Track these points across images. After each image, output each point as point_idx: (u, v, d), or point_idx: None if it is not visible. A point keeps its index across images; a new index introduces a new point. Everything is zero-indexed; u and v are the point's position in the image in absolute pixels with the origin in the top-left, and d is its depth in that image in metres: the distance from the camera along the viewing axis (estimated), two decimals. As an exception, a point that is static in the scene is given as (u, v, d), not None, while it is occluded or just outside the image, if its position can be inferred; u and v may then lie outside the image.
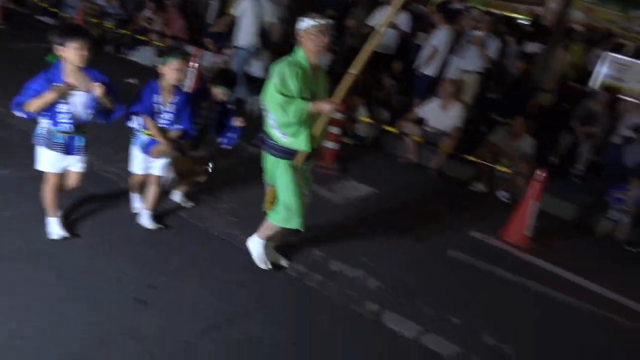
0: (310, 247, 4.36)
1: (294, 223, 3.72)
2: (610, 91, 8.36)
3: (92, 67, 3.46)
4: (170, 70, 3.75)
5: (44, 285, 3.16)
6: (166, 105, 3.84)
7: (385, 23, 3.65)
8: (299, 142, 3.58)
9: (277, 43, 8.50)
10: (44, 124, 3.44)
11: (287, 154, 3.64)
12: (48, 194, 3.61)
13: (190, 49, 7.63)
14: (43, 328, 2.84)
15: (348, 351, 3.25)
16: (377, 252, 4.63)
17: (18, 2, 11.34)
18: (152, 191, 4.10)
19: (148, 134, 3.87)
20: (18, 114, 3.34)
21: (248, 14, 7.83)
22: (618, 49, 10.40)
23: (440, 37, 8.27)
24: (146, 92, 3.79)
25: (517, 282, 4.74)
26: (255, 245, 3.93)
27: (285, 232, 3.96)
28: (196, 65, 6.93)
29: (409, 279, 4.31)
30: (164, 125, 3.88)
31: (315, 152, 3.80)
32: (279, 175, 3.68)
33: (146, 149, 3.92)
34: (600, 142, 7.99)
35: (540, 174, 5.59)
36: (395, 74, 9.02)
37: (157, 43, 9.78)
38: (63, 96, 3.33)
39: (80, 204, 4.08)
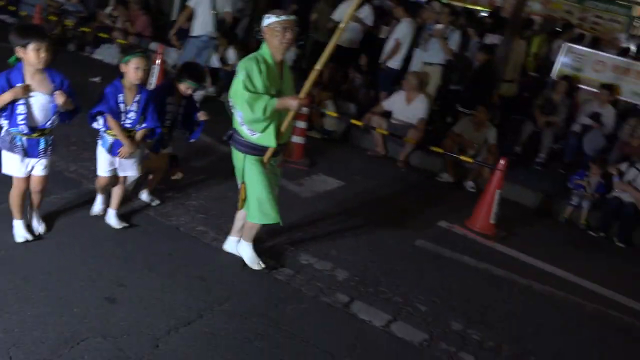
0: (279, 240, 4.39)
1: (272, 218, 3.75)
2: (569, 80, 8.59)
3: (55, 66, 3.41)
4: (131, 69, 3.71)
5: (10, 289, 3.12)
6: (130, 104, 3.80)
7: (348, 17, 3.70)
8: (267, 138, 3.61)
9: (232, 32, 8.49)
10: (5, 125, 3.39)
11: (255, 150, 3.67)
12: (14, 197, 3.57)
13: (155, 45, 7.56)
14: (10, 331, 2.80)
15: (319, 342, 3.29)
16: (346, 244, 4.69)
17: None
18: (117, 190, 4.07)
19: (113, 135, 3.84)
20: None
21: (202, 3, 7.83)
22: (579, 39, 10.65)
23: (402, 30, 8.35)
24: (110, 92, 3.74)
25: (482, 269, 4.86)
26: (245, 249, 3.96)
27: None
28: (159, 62, 6.89)
29: (377, 269, 4.39)
30: (129, 125, 3.85)
31: (284, 148, 3.84)
32: (248, 171, 3.71)
33: (113, 150, 3.89)
34: (561, 131, 8.23)
35: (502, 162, 5.74)
36: (361, 68, 9.10)
37: (120, 41, 9.63)
38: (22, 97, 3.27)
39: (45, 206, 4.03)
